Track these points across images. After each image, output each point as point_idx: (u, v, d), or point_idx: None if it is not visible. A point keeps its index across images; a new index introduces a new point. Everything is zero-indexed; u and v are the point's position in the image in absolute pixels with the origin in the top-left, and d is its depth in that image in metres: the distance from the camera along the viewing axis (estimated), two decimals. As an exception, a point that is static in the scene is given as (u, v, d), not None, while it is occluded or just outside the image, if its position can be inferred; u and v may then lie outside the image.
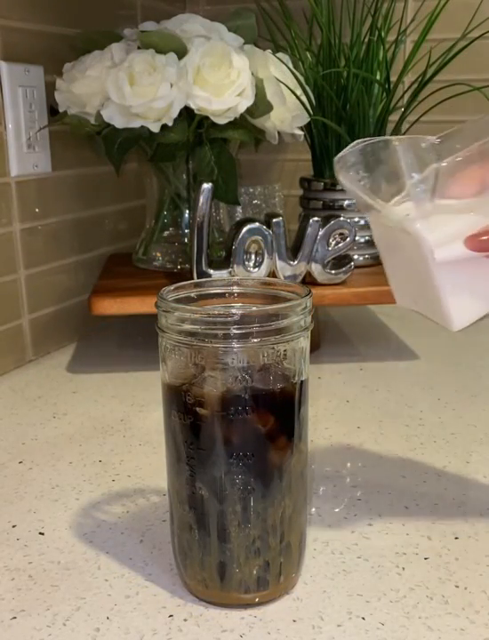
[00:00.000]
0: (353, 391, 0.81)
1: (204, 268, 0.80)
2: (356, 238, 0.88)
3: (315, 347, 0.92)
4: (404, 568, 0.49)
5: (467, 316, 0.45)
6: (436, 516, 0.55)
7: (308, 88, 0.89)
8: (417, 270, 0.44)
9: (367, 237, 0.94)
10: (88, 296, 0.83)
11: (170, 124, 0.80)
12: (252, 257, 0.81)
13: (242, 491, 0.43)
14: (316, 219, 0.82)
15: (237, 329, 0.41)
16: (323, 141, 0.93)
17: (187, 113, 0.82)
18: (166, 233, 0.95)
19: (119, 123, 0.81)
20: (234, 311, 0.43)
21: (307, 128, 0.93)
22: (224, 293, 0.47)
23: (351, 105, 0.89)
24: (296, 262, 0.82)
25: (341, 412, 0.75)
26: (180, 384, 0.42)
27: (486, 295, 0.45)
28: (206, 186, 0.79)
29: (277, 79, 0.86)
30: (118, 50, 0.83)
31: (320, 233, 0.82)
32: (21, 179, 0.86)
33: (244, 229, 0.79)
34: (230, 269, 0.80)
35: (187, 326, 0.42)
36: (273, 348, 0.42)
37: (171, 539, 0.48)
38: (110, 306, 0.81)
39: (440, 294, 0.44)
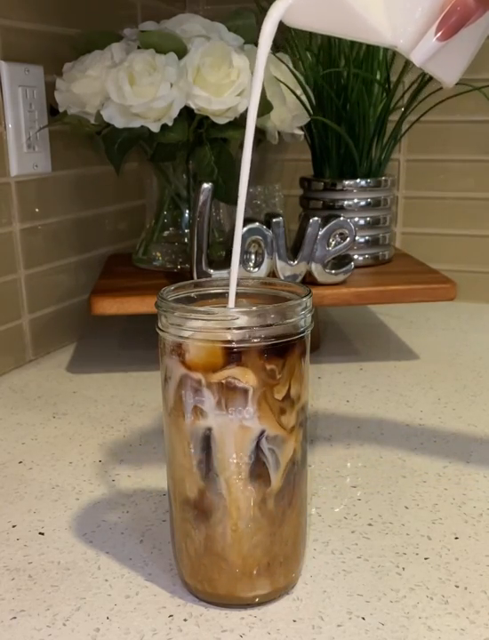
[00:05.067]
0: (353, 391, 0.81)
1: (204, 268, 0.80)
2: (356, 238, 0.88)
3: (315, 347, 0.92)
4: (404, 568, 0.49)
5: (453, 75, 0.46)
6: (436, 515, 0.55)
7: (308, 88, 0.89)
8: None
9: (367, 237, 0.94)
10: (88, 296, 0.83)
11: (170, 123, 0.80)
12: (252, 257, 0.81)
13: (242, 490, 0.43)
14: (316, 219, 0.82)
15: (237, 329, 0.41)
16: (323, 141, 0.93)
17: (187, 113, 0.82)
18: (166, 233, 0.95)
19: (119, 123, 0.81)
20: (234, 311, 0.43)
21: (307, 128, 0.93)
22: (224, 293, 0.47)
23: (351, 105, 0.89)
24: (296, 262, 0.82)
25: (341, 411, 0.75)
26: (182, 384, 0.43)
27: (463, 56, 0.46)
28: (206, 186, 0.79)
29: (277, 79, 0.86)
30: (118, 50, 0.83)
31: (320, 233, 0.82)
32: (21, 179, 0.86)
33: (244, 229, 0.79)
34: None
35: (187, 326, 0.42)
36: (273, 348, 0.42)
37: (171, 539, 0.48)
38: (110, 306, 0.81)
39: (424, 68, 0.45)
